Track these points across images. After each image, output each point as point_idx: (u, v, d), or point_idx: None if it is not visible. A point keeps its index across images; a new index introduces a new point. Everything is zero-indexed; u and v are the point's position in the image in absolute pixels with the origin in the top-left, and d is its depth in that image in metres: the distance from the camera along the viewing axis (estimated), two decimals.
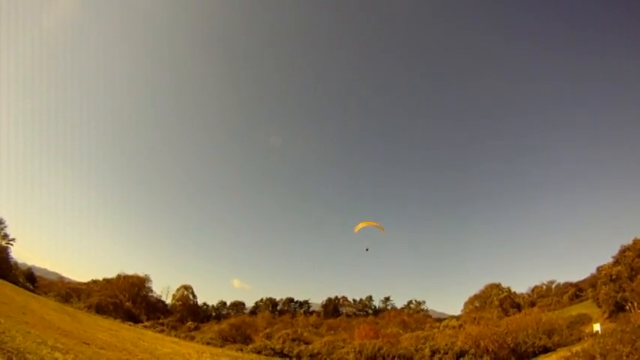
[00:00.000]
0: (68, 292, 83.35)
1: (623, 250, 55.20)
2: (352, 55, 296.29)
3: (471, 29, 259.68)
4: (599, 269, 67.24)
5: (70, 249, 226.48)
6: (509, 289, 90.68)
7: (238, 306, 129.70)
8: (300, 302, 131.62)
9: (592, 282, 75.67)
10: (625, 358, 21.07)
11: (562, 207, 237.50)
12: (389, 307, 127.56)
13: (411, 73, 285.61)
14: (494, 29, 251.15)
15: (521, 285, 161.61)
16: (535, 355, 38.56)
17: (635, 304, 37.93)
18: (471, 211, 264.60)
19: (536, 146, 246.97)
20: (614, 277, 53.26)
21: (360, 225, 50.70)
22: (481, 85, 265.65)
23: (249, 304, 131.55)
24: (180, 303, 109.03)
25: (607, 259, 62.36)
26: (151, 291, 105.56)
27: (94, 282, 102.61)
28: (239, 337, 64.78)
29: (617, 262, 56.17)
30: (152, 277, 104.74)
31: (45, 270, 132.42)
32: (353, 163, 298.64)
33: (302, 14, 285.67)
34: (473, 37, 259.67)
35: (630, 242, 54.91)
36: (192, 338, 58.72)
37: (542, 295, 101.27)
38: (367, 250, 52.90)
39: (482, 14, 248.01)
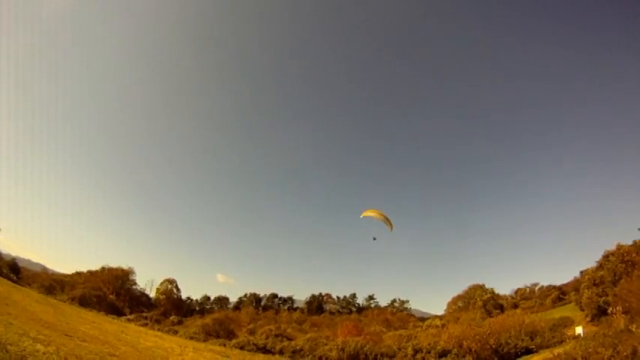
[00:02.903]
0: (52, 284, 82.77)
1: (607, 255, 55.76)
2: (352, 55, 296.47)
3: (469, 28, 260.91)
4: (582, 273, 68.01)
5: (55, 240, 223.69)
6: (492, 291, 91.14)
7: (222, 301, 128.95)
8: (284, 298, 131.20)
9: (575, 286, 76.37)
10: None
11: (548, 210, 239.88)
12: (372, 306, 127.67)
13: (411, 72, 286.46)
14: (493, 27, 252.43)
15: (504, 287, 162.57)
16: (517, 356, 38.81)
17: (618, 309, 38.26)
18: (457, 212, 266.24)
19: (523, 149, 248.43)
20: (597, 281, 53.80)
21: (369, 212, 47.55)
22: (479, 84, 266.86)
23: (233, 299, 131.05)
24: (164, 297, 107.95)
25: (591, 263, 63.11)
26: (135, 284, 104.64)
27: (78, 274, 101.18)
28: (222, 332, 64.42)
29: (600, 266, 56.73)
30: (136, 270, 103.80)
31: (29, 261, 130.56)
32: (341, 159, 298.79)
33: (300, 13, 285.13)
34: (471, 36, 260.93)
35: (614, 247, 55.50)
36: (176, 332, 58.33)
37: (526, 298, 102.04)
38: (375, 239, 49.55)
39: (481, 12, 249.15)
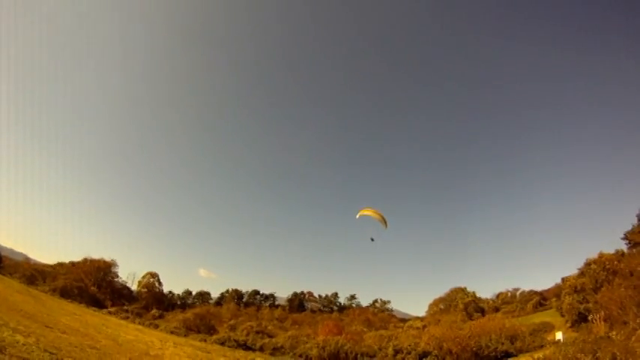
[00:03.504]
0: (33, 274, 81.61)
1: (589, 263, 56.29)
2: (350, 56, 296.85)
3: (466, 28, 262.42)
4: (564, 280, 68.48)
5: (38, 230, 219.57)
6: (474, 294, 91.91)
7: (204, 296, 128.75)
8: (266, 295, 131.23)
9: (556, 292, 77.07)
10: None
11: (531, 217, 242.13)
12: (354, 305, 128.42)
13: (408, 72, 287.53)
14: (490, 28, 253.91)
15: (486, 290, 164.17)
16: (497, 359, 38.89)
17: (598, 316, 38.57)
18: (441, 214, 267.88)
19: (509, 155, 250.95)
20: (578, 288, 54.28)
21: (365, 211, 46.77)
22: (474, 85, 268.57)
23: (215, 294, 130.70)
24: (145, 290, 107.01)
25: (572, 270, 63.74)
26: (117, 276, 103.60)
27: (60, 265, 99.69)
28: (203, 327, 64.01)
29: (582, 273, 57.34)
30: (118, 263, 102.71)
31: (11, 250, 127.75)
32: (332, 159, 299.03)
33: (292, 14, 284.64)
34: (469, 36, 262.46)
35: (596, 256, 56.02)
36: (157, 326, 57.83)
37: (507, 302, 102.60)
38: (372, 240, 48.80)
39: (478, 12, 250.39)
